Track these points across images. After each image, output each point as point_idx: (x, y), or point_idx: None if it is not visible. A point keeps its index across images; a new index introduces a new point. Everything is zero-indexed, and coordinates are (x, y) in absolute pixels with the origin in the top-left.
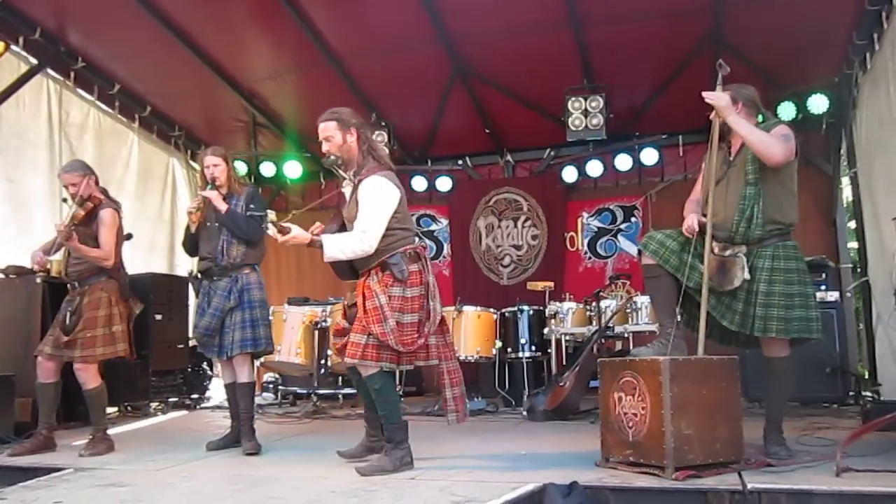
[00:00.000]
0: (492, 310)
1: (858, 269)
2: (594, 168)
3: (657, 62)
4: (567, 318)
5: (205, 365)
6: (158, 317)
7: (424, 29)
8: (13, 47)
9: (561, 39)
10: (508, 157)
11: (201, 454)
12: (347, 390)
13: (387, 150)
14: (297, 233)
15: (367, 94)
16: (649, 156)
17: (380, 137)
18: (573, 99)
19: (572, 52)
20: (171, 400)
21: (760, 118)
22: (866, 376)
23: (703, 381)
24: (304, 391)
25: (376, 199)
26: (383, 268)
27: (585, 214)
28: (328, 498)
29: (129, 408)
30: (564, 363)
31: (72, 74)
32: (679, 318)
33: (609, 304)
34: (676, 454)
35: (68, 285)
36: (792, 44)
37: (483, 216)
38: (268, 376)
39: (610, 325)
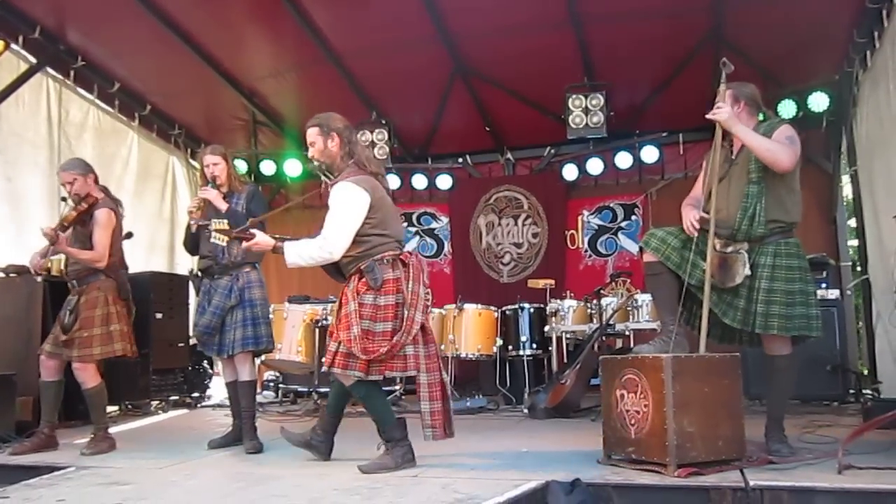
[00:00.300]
0: (492, 308)
1: (858, 267)
2: (594, 166)
3: (658, 60)
4: (568, 316)
5: (205, 363)
6: (159, 315)
7: (425, 27)
8: (13, 46)
9: (561, 38)
10: (509, 156)
11: (203, 452)
12: None
13: (372, 153)
14: (260, 238)
15: (368, 93)
16: (650, 154)
17: (380, 136)
18: (574, 97)
19: (573, 51)
20: (171, 398)
21: (761, 116)
22: (866, 374)
23: (705, 379)
24: (305, 389)
25: (340, 205)
26: (361, 274)
27: (586, 212)
28: (331, 495)
29: (129, 406)
30: (565, 361)
31: (71, 73)
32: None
33: (610, 302)
34: (679, 451)
35: (69, 284)
36: (792, 42)
37: (483, 214)
38: (268, 374)
39: (611, 322)
